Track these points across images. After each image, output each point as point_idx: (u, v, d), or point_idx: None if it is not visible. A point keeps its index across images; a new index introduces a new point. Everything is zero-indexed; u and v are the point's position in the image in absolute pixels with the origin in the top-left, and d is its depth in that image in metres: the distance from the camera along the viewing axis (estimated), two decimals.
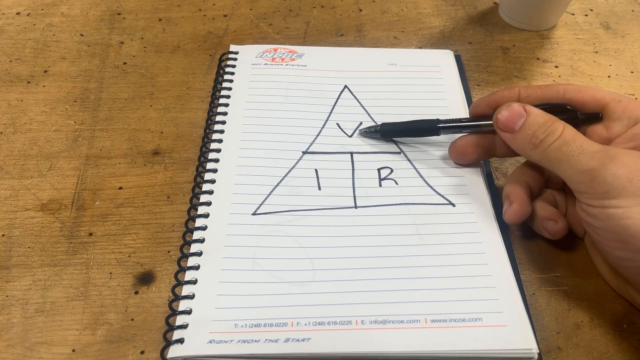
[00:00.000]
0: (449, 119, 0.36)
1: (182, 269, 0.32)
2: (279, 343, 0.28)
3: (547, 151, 0.30)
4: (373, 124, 0.40)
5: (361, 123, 0.40)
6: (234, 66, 0.44)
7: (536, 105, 0.32)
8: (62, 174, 0.38)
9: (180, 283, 0.32)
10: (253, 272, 0.32)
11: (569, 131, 0.30)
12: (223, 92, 0.42)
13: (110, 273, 0.33)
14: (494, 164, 0.39)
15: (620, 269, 0.30)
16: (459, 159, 0.37)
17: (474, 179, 0.36)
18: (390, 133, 0.39)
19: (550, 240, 0.34)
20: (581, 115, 0.32)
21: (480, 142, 0.35)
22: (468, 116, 0.38)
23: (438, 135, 0.37)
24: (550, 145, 0.30)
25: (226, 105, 0.41)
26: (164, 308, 0.31)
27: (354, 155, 0.38)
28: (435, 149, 0.38)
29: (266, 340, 0.29)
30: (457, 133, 0.37)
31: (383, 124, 0.39)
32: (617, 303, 0.32)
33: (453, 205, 0.35)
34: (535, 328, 0.30)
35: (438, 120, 0.37)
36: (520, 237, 0.35)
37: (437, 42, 0.48)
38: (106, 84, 0.44)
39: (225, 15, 0.51)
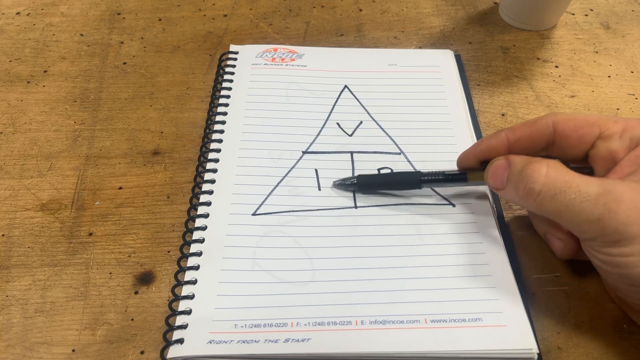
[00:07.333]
0: (432, 172, 0.34)
1: (182, 269, 0.32)
2: (278, 343, 0.28)
3: (539, 201, 0.26)
4: (349, 175, 0.36)
5: (361, 122, 0.40)
6: (234, 66, 0.44)
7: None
8: (62, 174, 0.38)
9: (180, 283, 0.31)
10: (253, 273, 0.32)
11: (556, 173, 0.26)
12: (223, 92, 0.42)
13: (110, 273, 0.33)
14: None
15: (629, 301, 0.30)
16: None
17: None
18: (368, 186, 0.36)
19: None
20: (571, 167, 0.28)
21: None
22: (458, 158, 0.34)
23: (420, 189, 0.35)
24: (539, 194, 0.26)
25: (226, 105, 0.41)
26: (163, 308, 0.31)
27: (354, 154, 0.38)
28: (435, 149, 0.38)
29: (266, 340, 0.29)
30: (442, 186, 0.35)
31: (359, 176, 0.36)
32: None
33: (453, 205, 0.35)
34: (535, 328, 0.30)
35: (420, 173, 0.34)
36: (520, 237, 0.35)
37: (437, 42, 0.48)
38: (106, 84, 0.44)
39: (225, 15, 0.51)
